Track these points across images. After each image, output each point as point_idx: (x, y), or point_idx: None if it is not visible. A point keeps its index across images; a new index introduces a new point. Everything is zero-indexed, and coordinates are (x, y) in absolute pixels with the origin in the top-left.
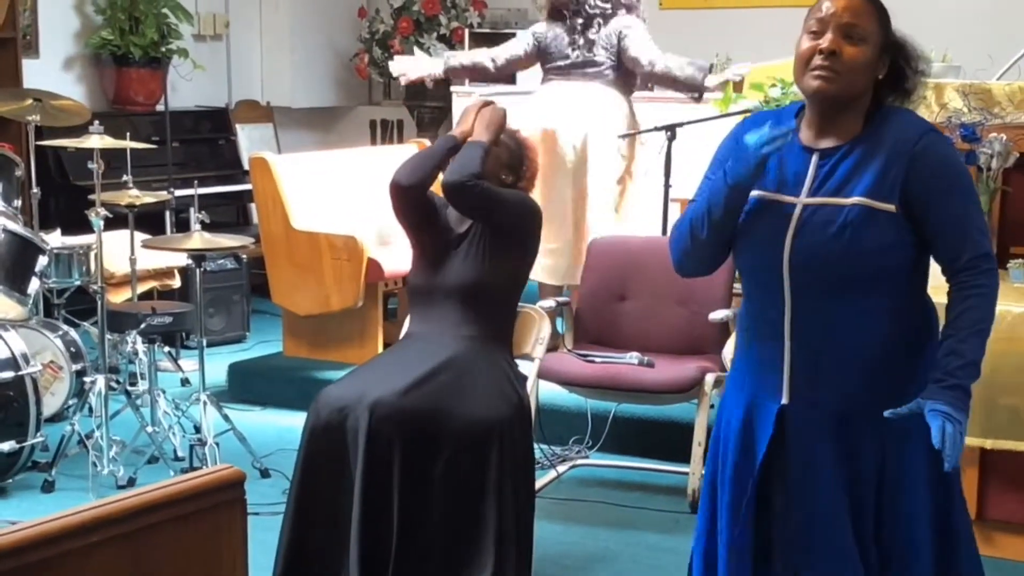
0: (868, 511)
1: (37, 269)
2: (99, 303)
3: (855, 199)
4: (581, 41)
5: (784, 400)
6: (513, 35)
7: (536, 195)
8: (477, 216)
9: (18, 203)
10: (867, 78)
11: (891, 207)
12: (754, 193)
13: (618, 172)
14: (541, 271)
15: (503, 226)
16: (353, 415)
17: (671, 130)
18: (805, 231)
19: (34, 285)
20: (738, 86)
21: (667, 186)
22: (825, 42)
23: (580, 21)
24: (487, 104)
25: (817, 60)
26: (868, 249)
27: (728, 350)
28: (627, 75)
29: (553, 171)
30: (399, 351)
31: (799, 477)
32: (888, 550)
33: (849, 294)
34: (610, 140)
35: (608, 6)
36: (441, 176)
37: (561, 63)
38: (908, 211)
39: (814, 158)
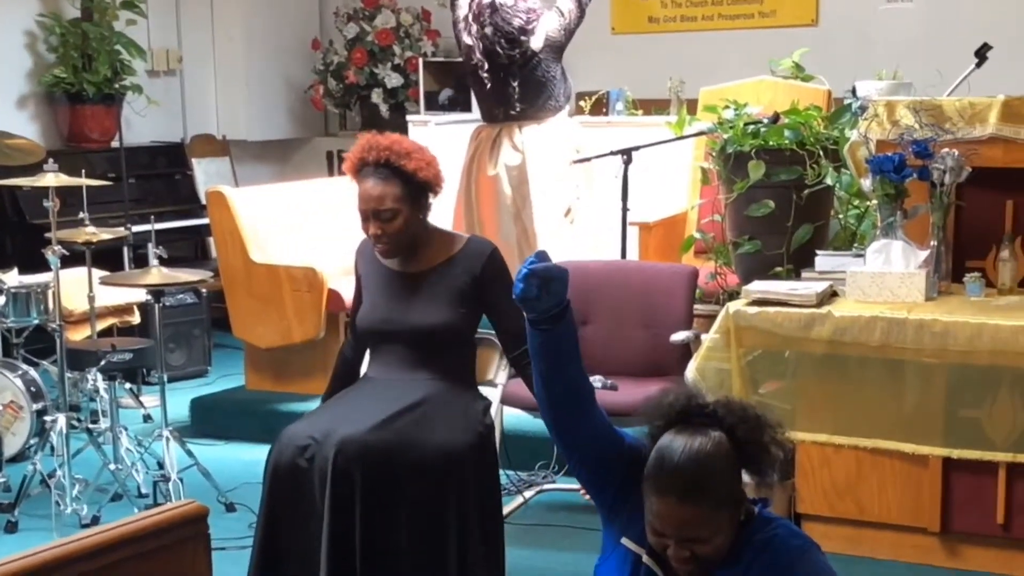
0: None
1: None
2: (58, 341)
3: None
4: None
5: None
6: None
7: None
8: None
9: None
10: (729, 535)
11: None
12: None
13: (567, 202)
14: None
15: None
16: (320, 454)
17: (627, 154)
18: None
19: None
20: (692, 107)
21: (625, 210)
22: (672, 551)
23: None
24: None
25: (672, 560)
26: None
27: (690, 371)
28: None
29: (497, 213)
30: (363, 391)
31: None
32: None
33: None
34: (551, 174)
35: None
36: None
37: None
38: None
39: None
